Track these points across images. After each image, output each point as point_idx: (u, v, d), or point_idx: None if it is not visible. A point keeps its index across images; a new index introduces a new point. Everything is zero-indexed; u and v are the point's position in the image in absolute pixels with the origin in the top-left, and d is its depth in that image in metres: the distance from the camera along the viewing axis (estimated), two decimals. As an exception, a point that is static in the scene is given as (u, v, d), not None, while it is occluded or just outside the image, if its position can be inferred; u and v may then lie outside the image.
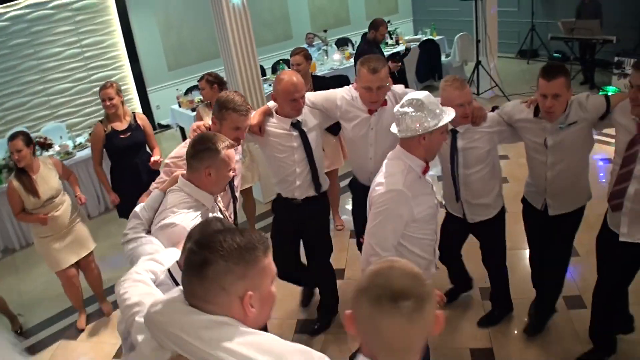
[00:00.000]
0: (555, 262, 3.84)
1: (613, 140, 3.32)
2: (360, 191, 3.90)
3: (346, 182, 4.81)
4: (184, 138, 7.65)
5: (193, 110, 7.75)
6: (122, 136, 4.97)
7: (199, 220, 2.52)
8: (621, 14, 10.19)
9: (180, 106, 8.31)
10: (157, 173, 5.01)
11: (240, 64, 6.22)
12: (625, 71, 9.09)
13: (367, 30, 7.69)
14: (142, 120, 5.16)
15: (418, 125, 2.73)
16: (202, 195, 2.71)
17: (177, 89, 8.79)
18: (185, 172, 2.80)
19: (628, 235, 3.18)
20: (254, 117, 3.71)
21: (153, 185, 3.17)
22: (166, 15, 9.84)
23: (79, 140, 7.30)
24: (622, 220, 3.18)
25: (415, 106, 2.74)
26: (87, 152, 6.90)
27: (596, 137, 3.61)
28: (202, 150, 2.65)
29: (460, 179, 3.63)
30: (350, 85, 3.90)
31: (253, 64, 6.34)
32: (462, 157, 3.57)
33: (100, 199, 7.19)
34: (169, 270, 2.16)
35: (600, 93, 9.10)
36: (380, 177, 2.90)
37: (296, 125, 3.78)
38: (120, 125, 4.98)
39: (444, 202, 4.00)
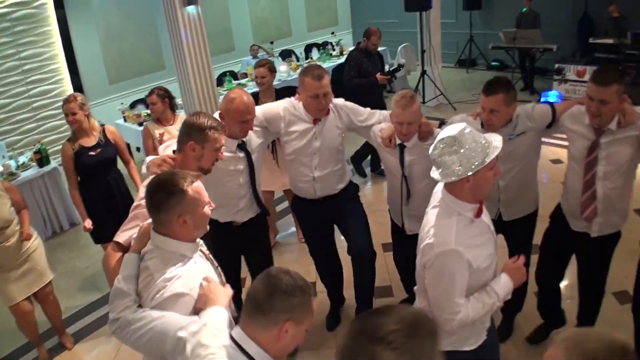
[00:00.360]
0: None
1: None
2: (306, 208, 4.01)
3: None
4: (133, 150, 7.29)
5: (140, 124, 7.44)
6: (91, 153, 4.54)
7: (197, 274, 2.20)
8: (558, 24, 10.70)
9: (125, 120, 7.99)
10: (129, 195, 4.80)
11: (195, 74, 6.06)
12: (566, 77, 9.54)
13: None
14: (112, 134, 4.72)
15: (459, 167, 2.28)
16: (184, 247, 2.23)
17: (122, 103, 8.45)
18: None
19: (599, 232, 3.31)
20: None
21: (124, 231, 2.61)
22: (107, 26, 9.46)
23: (22, 159, 6.83)
24: (595, 222, 3.27)
25: (450, 144, 2.30)
26: (32, 172, 6.47)
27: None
28: (165, 199, 2.14)
29: (403, 193, 3.64)
30: (290, 98, 3.83)
31: (208, 74, 6.20)
32: (409, 171, 3.56)
33: (47, 223, 6.73)
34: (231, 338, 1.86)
35: (542, 99, 9.52)
36: (428, 229, 2.44)
37: (242, 147, 3.58)
38: (89, 141, 4.56)
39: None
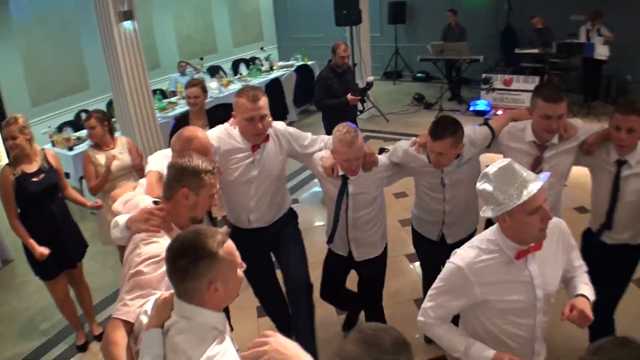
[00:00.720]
0: None
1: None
2: (239, 237, 3.59)
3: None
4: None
5: (70, 149, 6.98)
6: (34, 179, 4.11)
7: (230, 353, 1.87)
8: (483, 37, 11.17)
9: (54, 145, 7.51)
10: (74, 224, 4.45)
11: (133, 91, 5.77)
12: (494, 86, 9.92)
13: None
14: (53, 158, 4.31)
15: (493, 206, 2.22)
16: (216, 319, 1.86)
17: (49, 127, 7.94)
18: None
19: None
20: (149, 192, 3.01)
21: (126, 305, 2.15)
22: (29, 45, 8.89)
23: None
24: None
25: (487, 181, 2.25)
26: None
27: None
28: (192, 265, 1.77)
29: (350, 222, 3.52)
30: (224, 124, 3.53)
31: (145, 91, 5.92)
32: (352, 202, 3.44)
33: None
34: None
35: (471, 107, 9.81)
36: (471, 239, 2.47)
37: None
38: (31, 167, 4.12)
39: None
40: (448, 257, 3.59)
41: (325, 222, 3.84)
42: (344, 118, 6.10)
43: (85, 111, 9.13)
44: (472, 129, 3.39)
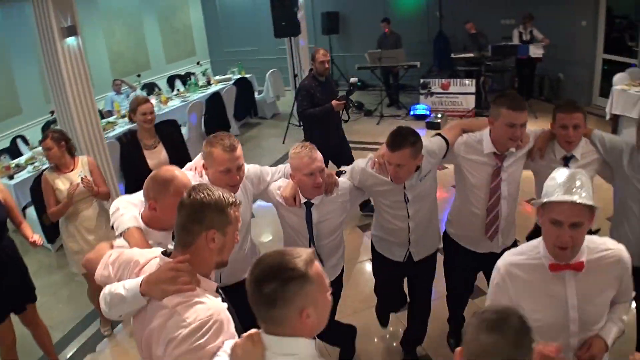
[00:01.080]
0: (425, 302, 3.85)
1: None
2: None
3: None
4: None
5: (11, 177, 6.50)
6: None
7: None
8: (416, 44, 11.42)
9: (-8, 175, 7.06)
10: (24, 266, 3.99)
11: (79, 109, 5.53)
12: (432, 90, 10.15)
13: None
14: (0, 192, 3.91)
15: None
16: (312, 347, 1.68)
17: (-15, 156, 7.47)
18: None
19: (503, 245, 3.42)
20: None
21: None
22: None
23: None
24: (496, 238, 3.40)
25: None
26: None
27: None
28: (283, 288, 1.57)
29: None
30: (190, 171, 3.08)
31: (92, 109, 5.69)
32: (315, 230, 3.24)
33: None
34: None
35: (411, 112, 10.02)
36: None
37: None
38: None
39: None
40: (414, 274, 3.66)
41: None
42: (328, 128, 6.03)
43: (22, 137, 8.72)
44: (428, 140, 3.31)
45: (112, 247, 2.38)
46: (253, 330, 1.67)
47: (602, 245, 2.19)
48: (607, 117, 8.06)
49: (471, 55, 9.95)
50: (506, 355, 1.47)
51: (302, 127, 6.45)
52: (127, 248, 2.27)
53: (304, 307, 1.58)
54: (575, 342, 2.23)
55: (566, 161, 3.25)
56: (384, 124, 9.90)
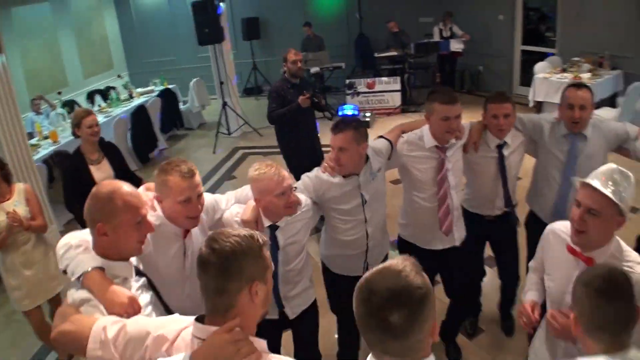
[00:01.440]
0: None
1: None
2: None
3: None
4: None
5: None
6: None
7: None
8: (338, 46, 11.61)
9: None
10: None
11: (6, 132, 5.28)
12: (358, 90, 10.31)
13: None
14: None
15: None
16: None
17: None
18: None
19: (459, 238, 3.56)
20: None
21: None
22: None
23: None
24: (451, 233, 3.50)
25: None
26: None
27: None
28: (415, 312, 1.37)
29: (280, 278, 3.00)
30: (148, 189, 2.74)
31: (19, 131, 5.44)
32: (282, 255, 2.96)
33: None
34: None
35: (339, 112, 10.09)
36: None
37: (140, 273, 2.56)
38: None
39: None
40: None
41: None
42: (299, 130, 5.70)
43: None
44: (372, 141, 3.33)
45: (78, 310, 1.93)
46: None
47: (630, 258, 2.19)
48: (531, 104, 8.50)
49: (394, 53, 10.17)
50: (629, 314, 1.64)
51: (276, 132, 6.13)
52: (91, 300, 1.93)
53: (431, 324, 1.41)
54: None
55: (500, 148, 3.52)
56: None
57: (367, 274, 1.44)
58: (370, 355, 1.45)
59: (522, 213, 3.90)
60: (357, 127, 3.05)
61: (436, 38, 9.99)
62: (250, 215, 2.76)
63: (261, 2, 12.60)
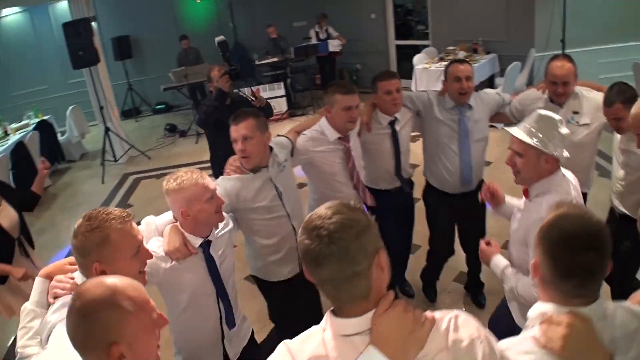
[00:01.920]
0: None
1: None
2: None
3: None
4: None
5: None
6: None
7: None
8: (216, 56, 11.33)
9: None
10: None
11: None
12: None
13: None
14: None
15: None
16: None
17: None
18: None
19: None
20: None
21: None
22: None
23: None
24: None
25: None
26: None
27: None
28: None
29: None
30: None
31: None
32: (222, 273, 2.71)
33: None
34: None
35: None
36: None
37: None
38: None
39: None
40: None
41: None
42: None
43: None
44: (276, 136, 3.44)
45: None
46: None
47: (562, 189, 2.50)
48: (414, 94, 8.93)
49: (275, 59, 10.25)
50: (602, 262, 1.54)
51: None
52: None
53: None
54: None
55: (392, 124, 3.83)
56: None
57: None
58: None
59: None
60: (257, 115, 3.07)
61: (314, 41, 10.21)
62: (176, 240, 2.48)
63: (130, 19, 12.13)
